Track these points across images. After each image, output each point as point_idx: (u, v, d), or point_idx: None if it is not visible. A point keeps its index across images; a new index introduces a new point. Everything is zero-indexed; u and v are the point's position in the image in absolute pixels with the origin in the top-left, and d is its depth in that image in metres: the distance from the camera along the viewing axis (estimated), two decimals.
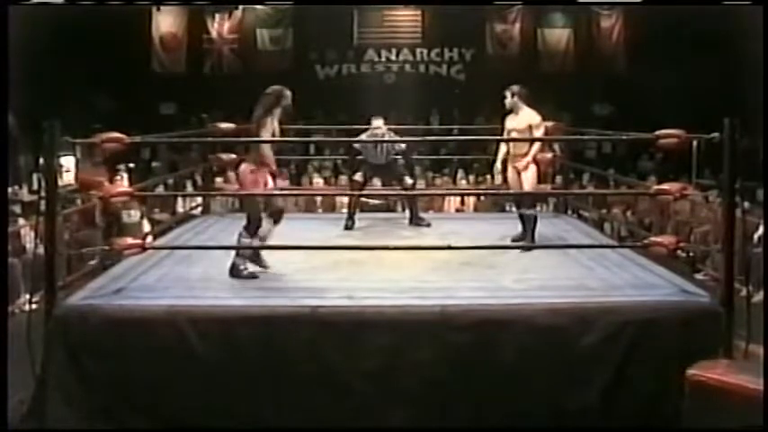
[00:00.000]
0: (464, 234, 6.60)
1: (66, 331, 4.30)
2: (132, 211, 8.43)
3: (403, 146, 7.28)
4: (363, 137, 7.19)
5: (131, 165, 12.18)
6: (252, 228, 5.08)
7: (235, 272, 5.04)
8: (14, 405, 4.20)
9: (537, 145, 6.24)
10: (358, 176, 7.16)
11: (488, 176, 9.34)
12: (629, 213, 11.28)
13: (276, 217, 5.23)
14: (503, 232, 6.58)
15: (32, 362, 4.28)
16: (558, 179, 10.12)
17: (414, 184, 7.63)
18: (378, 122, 7.09)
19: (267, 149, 5.16)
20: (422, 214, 7.41)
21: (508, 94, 6.35)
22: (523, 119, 6.24)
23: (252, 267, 5.11)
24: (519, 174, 6.22)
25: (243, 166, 5.17)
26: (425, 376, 4.25)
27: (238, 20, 15.59)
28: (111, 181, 9.28)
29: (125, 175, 10.23)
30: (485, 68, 15.28)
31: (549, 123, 7.60)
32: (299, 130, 12.09)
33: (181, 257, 5.54)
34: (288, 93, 5.30)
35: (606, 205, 11.49)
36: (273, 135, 5.21)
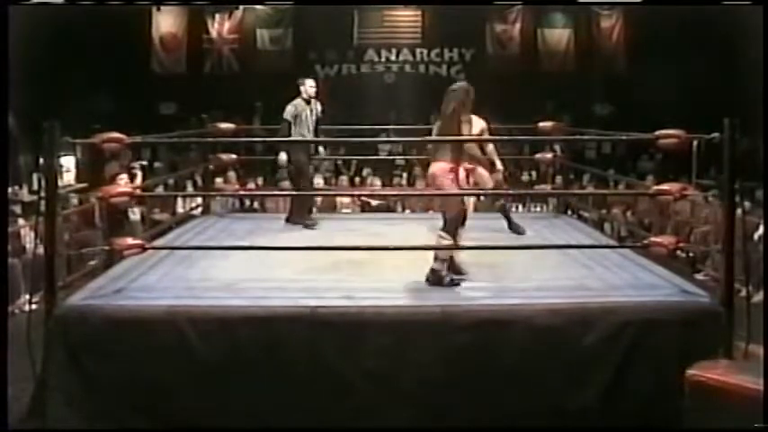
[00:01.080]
0: (463, 234, 6.59)
1: (66, 331, 4.30)
2: (137, 209, 8.46)
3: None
4: (298, 101, 7.22)
5: (144, 162, 12.17)
6: (451, 227, 4.85)
7: (434, 279, 4.79)
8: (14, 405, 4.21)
9: (491, 146, 6.09)
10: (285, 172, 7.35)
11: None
12: (629, 214, 11.27)
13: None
14: (502, 232, 6.58)
15: (32, 362, 4.27)
16: (558, 179, 10.14)
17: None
18: (311, 82, 7.31)
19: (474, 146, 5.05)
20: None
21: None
22: (476, 124, 6.01)
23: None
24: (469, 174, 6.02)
25: (440, 165, 4.90)
26: (425, 376, 4.25)
27: (238, 20, 15.60)
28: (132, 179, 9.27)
29: (139, 173, 10.23)
30: (485, 68, 15.29)
31: (549, 123, 7.65)
32: None
33: (181, 258, 5.54)
34: (472, 89, 5.21)
35: (606, 205, 11.49)
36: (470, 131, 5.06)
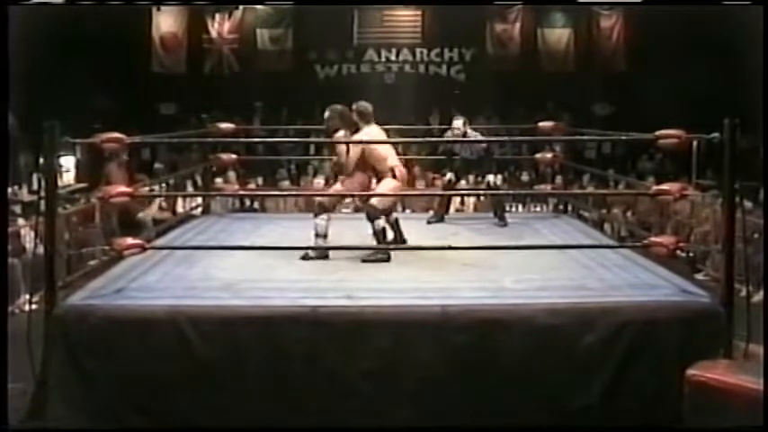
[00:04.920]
0: (464, 234, 6.60)
1: (66, 331, 4.30)
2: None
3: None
4: (448, 135, 7.38)
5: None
6: None
7: None
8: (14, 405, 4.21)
9: None
10: (449, 175, 7.49)
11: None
12: (629, 213, 11.27)
13: None
14: (503, 232, 6.58)
15: (32, 362, 4.28)
16: (558, 179, 10.14)
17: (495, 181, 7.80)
18: (458, 123, 7.25)
19: None
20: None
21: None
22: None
23: None
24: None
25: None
26: (425, 376, 4.25)
27: (238, 20, 15.59)
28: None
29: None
30: (485, 68, 15.30)
31: (549, 123, 7.65)
32: (299, 129, 12.12)
33: (181, 257, 5.54)
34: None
35: (606, 205, 11.49)
36: None
